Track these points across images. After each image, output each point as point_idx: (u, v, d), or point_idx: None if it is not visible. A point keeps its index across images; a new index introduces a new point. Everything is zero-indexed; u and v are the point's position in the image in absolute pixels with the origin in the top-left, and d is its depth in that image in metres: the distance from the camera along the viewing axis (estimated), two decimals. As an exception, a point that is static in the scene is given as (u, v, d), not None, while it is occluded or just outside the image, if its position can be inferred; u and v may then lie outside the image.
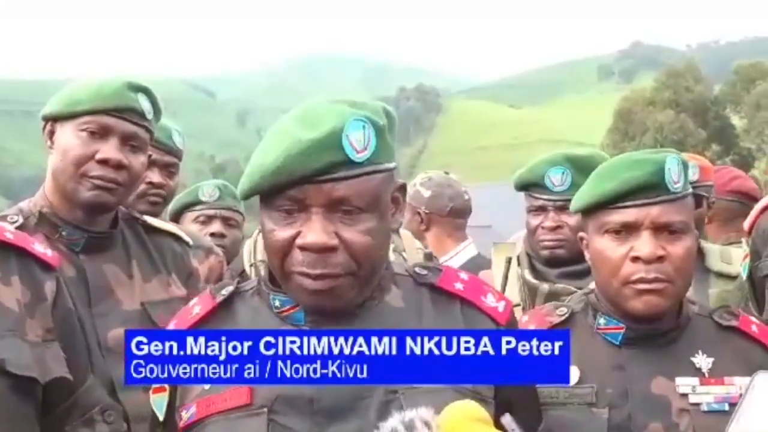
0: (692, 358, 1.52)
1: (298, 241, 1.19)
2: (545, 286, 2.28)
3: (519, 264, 2.41)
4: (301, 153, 1.16)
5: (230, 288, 1.32)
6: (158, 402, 1.31)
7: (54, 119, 1.83)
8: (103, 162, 1.77)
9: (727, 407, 1.47)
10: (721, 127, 44.61)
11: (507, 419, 1.12)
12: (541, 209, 2.31)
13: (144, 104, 1.83)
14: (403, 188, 1.30)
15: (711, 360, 1.52)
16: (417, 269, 1.34)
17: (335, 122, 1.18)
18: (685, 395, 1.49)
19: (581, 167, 2.26)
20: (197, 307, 1.32)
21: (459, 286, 1.32)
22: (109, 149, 1.77)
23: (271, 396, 1.20)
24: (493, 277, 2.45)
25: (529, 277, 2.34)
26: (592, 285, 1.85)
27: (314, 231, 1.18)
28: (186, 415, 1.25)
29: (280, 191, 1.19)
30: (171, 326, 1.35)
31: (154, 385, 1.32)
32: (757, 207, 1.95)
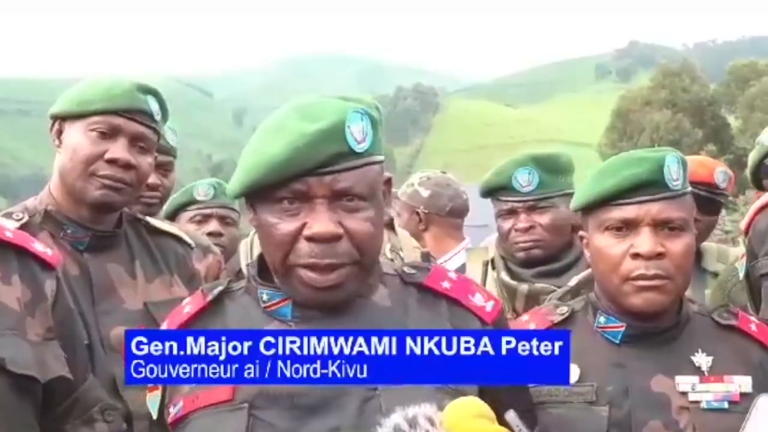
0: (692, 357, 1.52)
1: (306, 232, 1.20)
2: (524, 287, 2.28)
3: (494, 267, 2.41)
4: (307, 145, 1.17)
5: (220, 287, 1.33)
6: (152, 401, 1.32)
7: (62, 118, 1.83)
8: (112, 162, 1.77)
9: (726, 405, 1.48)
10: (717, 127, 44.68)
11: (511, 416, 1.11)
12: (512, 212, 2.31)
13: (153, 106, 1.84)
14: (389, 181, 1.33)
15: (710, 358, 1.52)
16: (405, 269, 1.35)
17: (337, 114, 1.20)
18: (684, 393, 1.49)
19: (547, 167, 2.28)
20: (188, 307, 1.33)
21: (446, 285, 1.33)
22: (118, 149, 1.78)
23: (253, 392, 1.20)
24: None
25: (506, 279, 2.33)
26: (571, 282, 1.85)
27: (321, 221, 1.19)
28: (173, 411, 1.27)
29: (282, 185, 1.19)
30: (164, 325, 1.36)
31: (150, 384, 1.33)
32: (754, 207, 1.95)
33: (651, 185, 1.50)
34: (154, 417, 1.32)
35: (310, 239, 1.20)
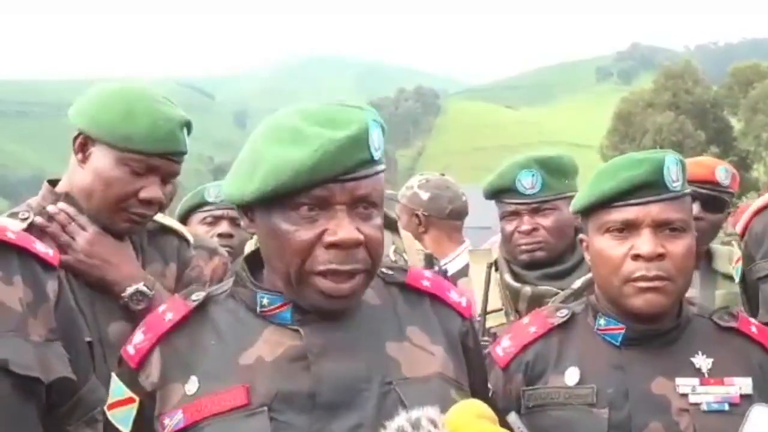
0: (692, 359, 1.52)
1: (328, 239, 1.19)
2: (528, 289, 2.28)
3: (497, 269, 2.41)
4: (338, 151, 1.17)
5: (202, 293, 1.30)
6: (122, 416, 1.27)
7: (93, 138, 1.76)
8: (145, 201, 1.75)
9: (727, 407, 1.48)
10: (719, 130, 44.66)
11: (513, 417, 1.12)
12: (515, 214, 2.31)
13: (186, 140, 1.81)
14: None
15: (711, 360, 1.52)
16: (383, 269, 1.36)
17: (360, 122, 1.20)
18: (685, 395, 1.49)
19: (551, 169, 2.28)
20: (169, 314, 1.28)
21: (426, 283, 1.38)
22: (152, 189, 1.75)
23: (270, 394, 1.19)
24: (472, 284, 2.45)
25: (510, 281, 2.33)
26: (575, 285, 1.84)
27: (344, 227, 1.19)
28: (171, 423, 1.21)
29: (303, 191, 1.18)
30: (140, 332, 1.29)
31: (113, 399, 1.29)
32: (750, 210, 1.94)
33: (651, 186, 1.50)
34: (126, 431, 1.27)
35: (332, 246, 1.19)
